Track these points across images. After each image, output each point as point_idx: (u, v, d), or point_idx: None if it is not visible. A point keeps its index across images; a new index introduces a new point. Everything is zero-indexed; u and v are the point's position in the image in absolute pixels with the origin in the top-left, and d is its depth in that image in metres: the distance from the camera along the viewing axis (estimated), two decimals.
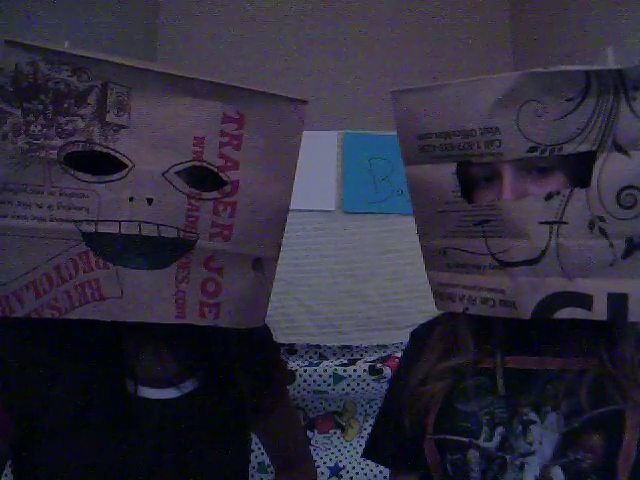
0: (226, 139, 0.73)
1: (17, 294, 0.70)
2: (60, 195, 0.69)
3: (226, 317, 0.76)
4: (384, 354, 1.53)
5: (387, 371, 1.44)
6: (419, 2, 2.25)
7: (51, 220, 0.69)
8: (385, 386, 1.44)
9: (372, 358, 1.50)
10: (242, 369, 0.86)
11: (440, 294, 0.79)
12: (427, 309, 1.59)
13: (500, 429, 0.72)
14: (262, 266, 0.78)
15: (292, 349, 1.57)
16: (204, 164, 0.73)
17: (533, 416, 0.71)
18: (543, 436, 0.69)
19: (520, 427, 0.71)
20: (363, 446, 1.49)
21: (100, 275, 0.71)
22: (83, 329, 0.74)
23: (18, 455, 0.78)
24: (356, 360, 1.49)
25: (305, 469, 1.07)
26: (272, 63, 2.08)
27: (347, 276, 1.62)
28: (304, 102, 0.77)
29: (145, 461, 0.76)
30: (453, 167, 0.73)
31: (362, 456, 0.92)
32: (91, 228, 0.70)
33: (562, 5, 1.93)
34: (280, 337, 1.54)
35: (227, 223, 0.74)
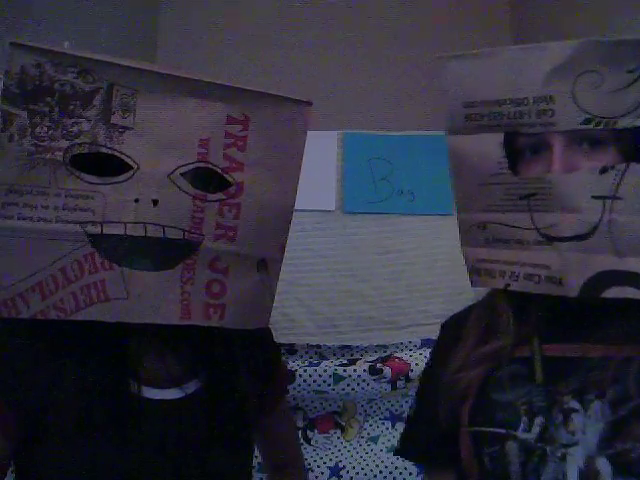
0: (231, 140, 0.74)
1: (23, 295, 0.70)
2: (66, 197, 0.69)
3: (231, 318, 0.76)
4: (384, 354, 1.53)
5: (387, 371, 1.44)
6: (419, 2, 2.25)
7: (57, 221, 0.70)
8: (385, 386, 1.45)
9: (372, 358, 1.51)
10: (245, 369, 0.86)
11: (477, 270, 0.77)
12: (427, 309, 1.63)
13: (539, 419, 0.69)
14: (266, 267, 0.79)
15: (292, 349, 1.57)
16: (209, 165, 0.73)
17: (575, 405, 0.67)
18: (586, 425, 0.66)
19: (561, 416, 0.67)
20: (363, 446, 1.52)
21: (105, 276, 0.71)
22: (87, 330, 0.74)
23: (20, 456, 0.78)
24: (356, 360, 1.49)
25: (298, 470, 1.08)
26: (272, 63, 2.07)
27: (347, 276, 1.62)
28: (309, 104, 0.77)
29: (148, 461, 0.76)
30: (500, 137, 0.71)
31: (394, 454, 0.90)
32: (97, 229, 0.70)
33: (562, 5, 1.93)
34: (280, 337, 1.54)
35: (232, 224, 0.75)
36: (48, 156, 0.68)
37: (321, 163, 1.64)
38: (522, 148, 0.71)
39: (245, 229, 0.75)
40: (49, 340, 0.75)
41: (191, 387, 0.81)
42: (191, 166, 0.72)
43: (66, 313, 0.71)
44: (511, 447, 0.69)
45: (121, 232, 0.70)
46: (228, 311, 0.76)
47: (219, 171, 0.73)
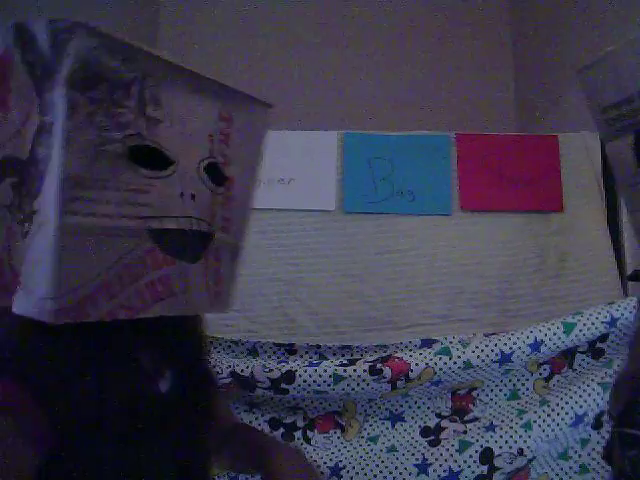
0: (222, 137, 0.76)
1: (92, 297, 0.65)
2: (125, 191, 0.66)
3: (222, 303, 0.79)
4: (384, 354, 1.53)
5: (387, 371, 1.43)
6: (419, 3, 2.26)
7: (119, 217, 0.66)
8: (385, 386, 1.44)
9: (372, 358, 1.50)
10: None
11: None
12: (427, 309, 1.63)
13: None
14: (239, 254, 0.82)
15: (292, 349, 1.56)
16: (215, 160, 0.75)
17: None
18: None
19: None
20: (363, 446, 1.51)
21: (168, 271, 0.70)
22: (105, 333, 0.70)
23: (46, 466, 0.74)
24: (356, 360, 1.48)
25: (285, 455, 0.96)
26: (273, 63, 2.08)
27: (347, 276, 1.62)
28: (269, 105, 0.81)
29: (123, 460, 0.74)
30: (630, 138, 0.70)
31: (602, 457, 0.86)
32: (157, 224, 0.68)
33: (563, 6, 1.93)
34: (280, 337, 1.54)
35: (228, 216, 0.78)
36: (108, 147, 0.64)
37: (321, 163, 1.64)
38: None
39: (234, 220, 0.79)
40: (77, 346, 0.70)
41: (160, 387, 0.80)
42: (208, 160, 0.74)
43: (134, 311, 0.68)
44: None
45: (175, 226, 0.70)
46: (222, 297, 0.79)
47: (220, 166, 0.76)
